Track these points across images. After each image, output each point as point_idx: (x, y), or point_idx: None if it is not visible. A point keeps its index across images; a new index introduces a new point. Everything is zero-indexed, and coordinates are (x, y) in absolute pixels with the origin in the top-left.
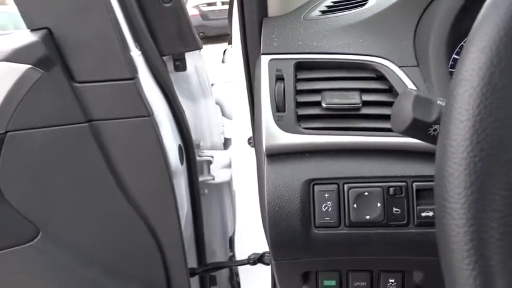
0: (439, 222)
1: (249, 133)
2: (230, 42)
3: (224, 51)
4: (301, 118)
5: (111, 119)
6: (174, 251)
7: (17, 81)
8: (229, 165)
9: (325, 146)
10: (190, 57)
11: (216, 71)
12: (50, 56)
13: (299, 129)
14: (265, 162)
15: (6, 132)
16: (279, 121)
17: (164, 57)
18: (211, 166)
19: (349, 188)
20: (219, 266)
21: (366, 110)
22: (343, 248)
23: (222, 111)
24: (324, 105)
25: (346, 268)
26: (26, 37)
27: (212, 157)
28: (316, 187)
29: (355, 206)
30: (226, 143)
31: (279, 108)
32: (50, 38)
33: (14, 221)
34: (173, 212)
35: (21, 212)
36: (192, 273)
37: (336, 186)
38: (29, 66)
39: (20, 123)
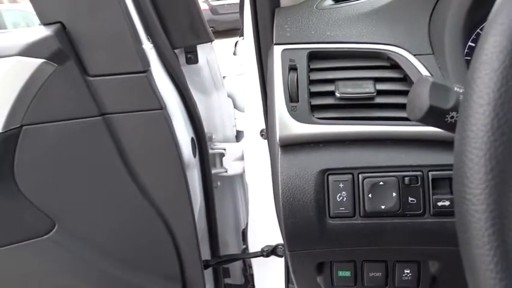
0: (458, 209)
1: (262, 125)
2: (242, 35)
3: (235, 44)
4: (314, 108)
5: (124, 112)
6: (188, 243)
7: (31, 76)
8: (241, 158)
9: (339, 135)
10: (201, 50)
11: (227, 64)
12: (63, 50)
13: (313, 119)
14: (279, 153)
15: (22, 126)
16: (292, 111)
17: (176, 50)
18: (224, 159)
19: (364, 178)
20: (232, 258)
21: (380, 99)
22: (358, 238)
23: (234, 103)
24: (337, 94)
25: (361, 259)
26: (40, 31)
27: (224, 150)
28: (330, 177)
29: (370, 195)
30: (239, 136)
31: (292, 98)
32: (63, 32)
33: (30, 214)
34: (187, 205)
35: (36, 205)
36: (206, 265)
37: (350, 176)
38: (43, 60)
39: (34, 117)
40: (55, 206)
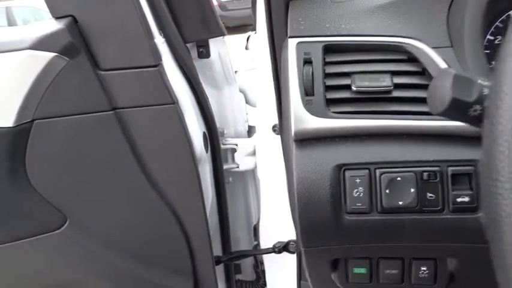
0: (487, 204)
1: (274, 120)
2: (254, 29)
3: (248, 38)
4: (330, 102)
5: (136, 106)
6: (199, 238)
7: (43, 70)
8: (253, 153)
9: (356, 130)
10: (213, 44)
11: (239, 58)
12: (75, 44)
13: (328, 113)
14: (294, 148)
15: (33, 120)
16: (307, 105)
17: (188, 44)
18: (236, 154)
19: (381, 173)
20: (244, 254)
21: (397, 93)
22: (375, 235)
23: (245, 98)
24: (354, 88)
25: (377, 255)
26: (51, 25)
27: (236, 145)
28: (347, 172)
29: (387, 191)
30: (250, 131)
31: (307, 92)
32: (74, 26)
33: (41, 208)
34: (199, 200)
35: (48, 200)
36: (217, 261)
37: (367, 171)
38: (55, 54)
39: (46, 111)
40: (67, 201)
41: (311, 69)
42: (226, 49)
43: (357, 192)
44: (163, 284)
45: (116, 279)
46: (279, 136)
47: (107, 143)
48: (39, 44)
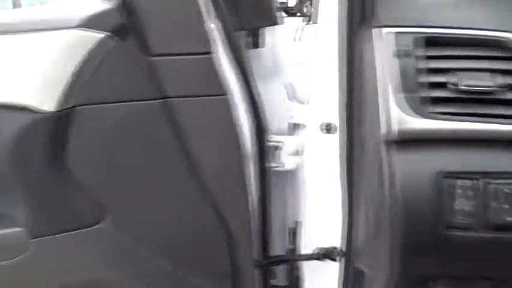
0: None
1: (325, 118)
2: (309, 20)
3: (297, 29)
4: (431, 101)
5: (184, 96)
6: (241, 240)
7: (90, 51)
8: (297, 153)
9: (462, 134)
10: (267, 34)
11: (287, 51)
12: (124, 25)
13: (429, 113)
14: (390, 150)
15: (76, 106)
16: (406, 103)
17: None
18: (281, 152)
19: (489, 184)
20: (285, 259)
21: (507, 95)
22: (477, 254)
23: (293, 94)
24: (459, 87)
25: (468, 275)
26: (100, 4)
27: (281, 142)
28: (449, 181)
29: (496, 205)
30: (294, 129)
31: (404, 88)
32: (124, 6)
33: (81, 201)
34: (243, 199)
35: (89, 192)
36: (257, 265)
37: (473, 181)
38: (103, 35)
39: (91, 97)
40: (107, 193)
41: (409, 63)
42: (279, 39)
43: (459, 204)
44: (201, 285)
45: (151, 279)
46: (328, 135)
47: (152, 134)
48: (88, 24)
